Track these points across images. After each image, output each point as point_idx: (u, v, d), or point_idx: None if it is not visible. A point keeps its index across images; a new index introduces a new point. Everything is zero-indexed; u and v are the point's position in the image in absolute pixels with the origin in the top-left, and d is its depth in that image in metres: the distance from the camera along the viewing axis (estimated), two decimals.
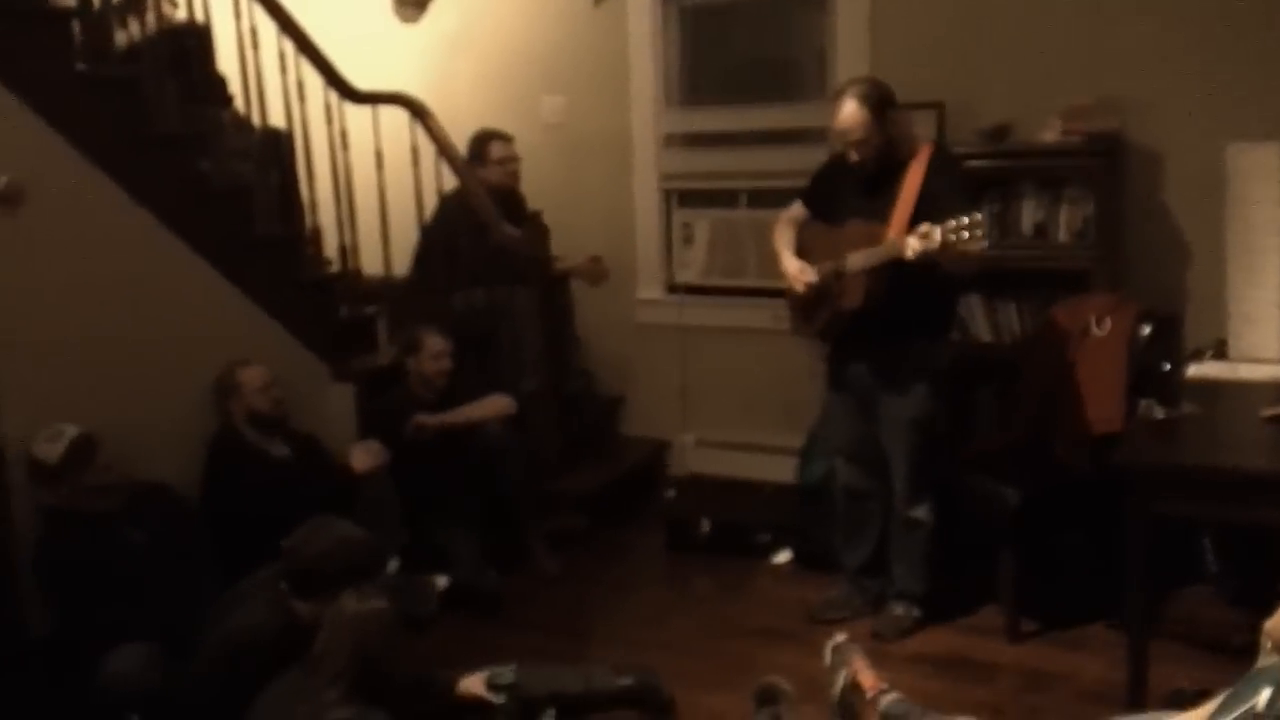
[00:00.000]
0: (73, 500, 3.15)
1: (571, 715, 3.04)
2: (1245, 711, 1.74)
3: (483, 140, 4.65)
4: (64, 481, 3.13)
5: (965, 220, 3.13)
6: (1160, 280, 4.10)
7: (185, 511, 3.46)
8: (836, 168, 3.68)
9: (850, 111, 3.42)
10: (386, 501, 3.87)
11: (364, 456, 3.83)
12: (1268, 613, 1.87)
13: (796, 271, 3.58)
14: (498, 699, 2.96)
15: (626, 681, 3.12)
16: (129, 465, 3.33)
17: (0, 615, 3.12)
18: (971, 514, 3.71)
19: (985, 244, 3.18)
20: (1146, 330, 3.76)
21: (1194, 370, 3.66)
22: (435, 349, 4.14)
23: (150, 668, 2.93)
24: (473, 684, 3.00)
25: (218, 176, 3.91)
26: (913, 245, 3.20)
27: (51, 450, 3.12)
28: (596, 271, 4.80)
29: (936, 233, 3.16)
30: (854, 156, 3.49)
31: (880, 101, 3.42)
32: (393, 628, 2.67)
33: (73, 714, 2.98)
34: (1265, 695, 1.72)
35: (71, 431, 3.14)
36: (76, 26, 3.56)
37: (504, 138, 4.68)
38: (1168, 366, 3.62)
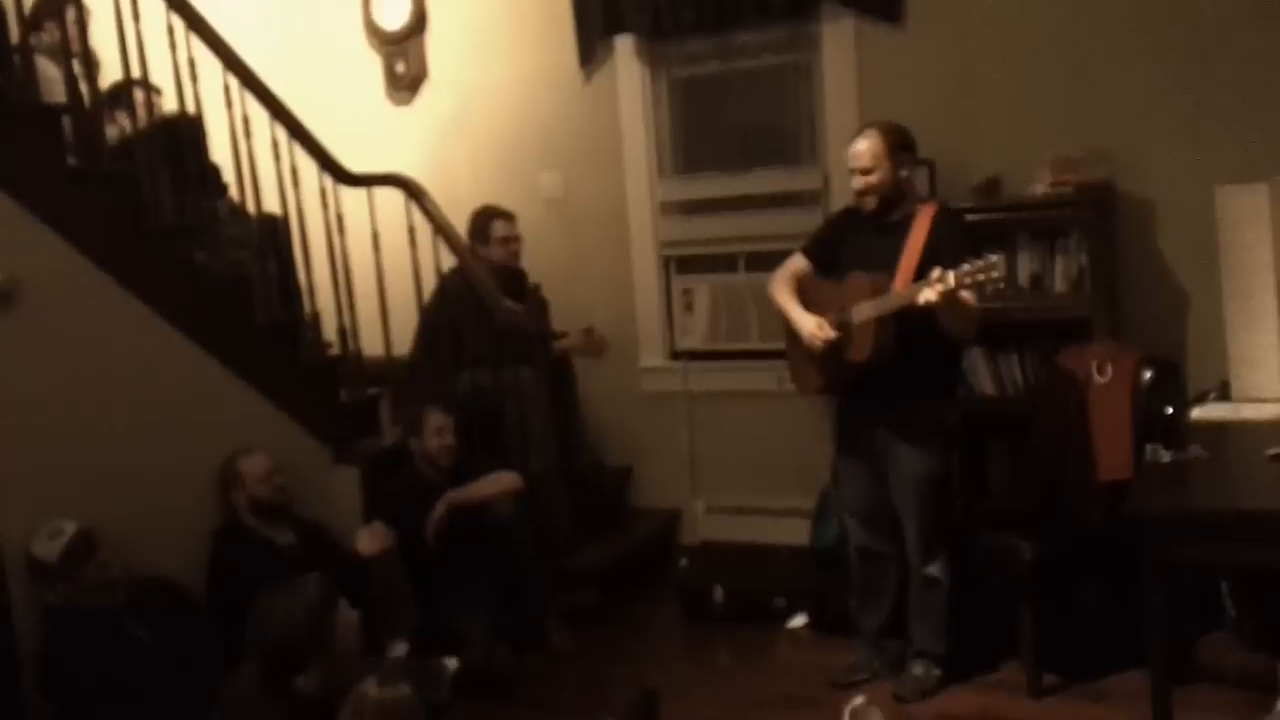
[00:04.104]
0: (74, 598, 3.13)
1: None
2: None
3: (486, 218, 4.67)
4: (65, 579, 3.11)
5: (982, 262, 3.12)
6: (1160, 325, 4.09)
7: (190, 606, 3.44)
8: (844, 220, 3.71)
9: (866, 143, 3.48)
10: (396, 585, 3.83)
11: (370, 540, 3.80)
12: None
13: (814, 328, 3.52)
14: None
15: None
16: (132, 560, 3.30)
17: (3, 717, 3.07)
18: (988, 570, 3.67)
19: (1001, 284, 3.15)
20: (1149, 375, 3.73)
21: (1198, 413, 3.64)
22: (436, 424, 4.12)
23: None
24: None
25: (215, 266, 3.92)
26: (926, 294, 3.17)
27: (51, 548, 3.10)
28: (594, 344, 4.80)
29: (950, 276, 3.14)
30: (860, 186, 3.50)
31: (898, 140, 3.49)
32: (417, 715, 2.61)
33: None
34: None
35: (70, 528, 3.13)
36: (67, 122, 3.58)
37: (506, 216, 4.68)
38: (1170, 410, 3.60)
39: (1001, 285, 3.16)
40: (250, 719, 2.70)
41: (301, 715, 2.65)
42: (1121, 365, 3.72)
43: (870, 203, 3.51)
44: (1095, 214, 3.97)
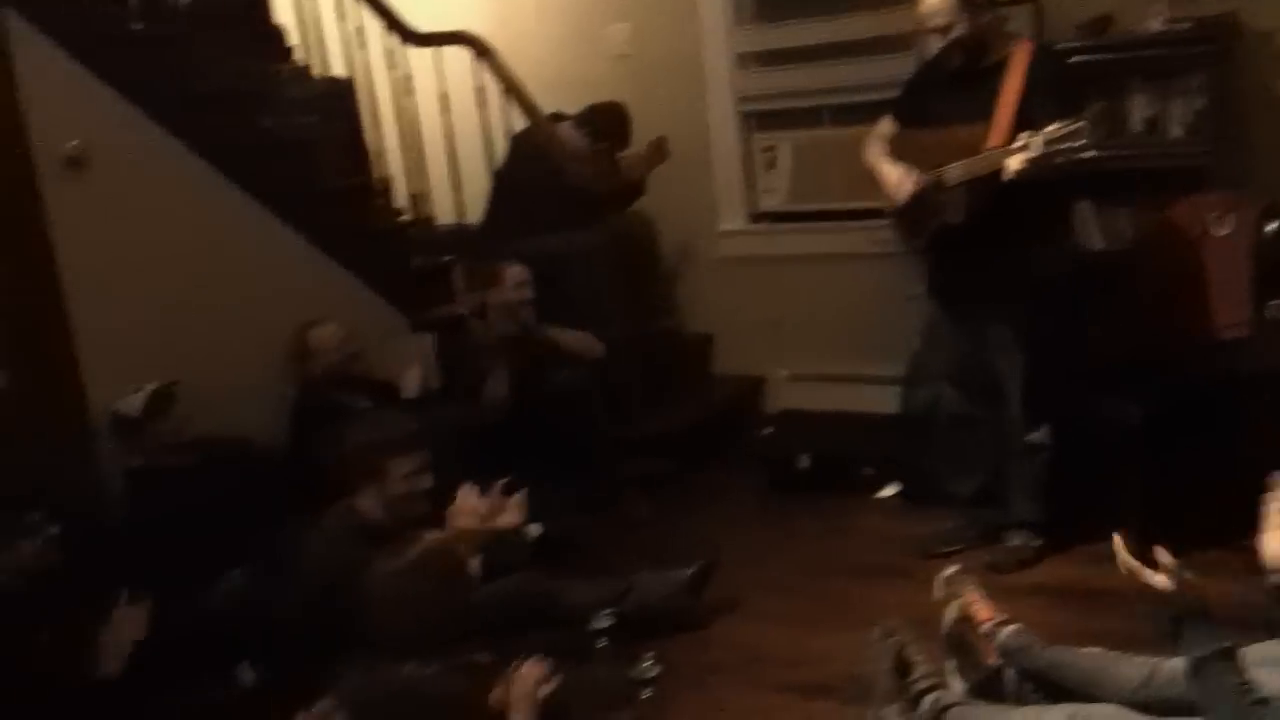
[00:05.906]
0: (154, 456, 3.22)
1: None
2: None
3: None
4: (145, 433, 3.20)
5: (1068, 129, 2.90)
6: None
7: (267, 466, 3.46)
8: (929, 74, 3.47)
9: None
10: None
11: (411, 380, 3.79)
12: None
13: (897, 181, 3.37)
14: (598, 643, 2.91)
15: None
16: (213, 424, 3.36)
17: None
18: (1091, 435, 3.50)
19: (1091, 153, 2.95)
20: (1272, 227, 3.48)
21: None
22: (517, 277, 3.98)
23: (259, 586, 3.02)
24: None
25: (282, 131, 3.85)
26: (1011, 166, 2.98)
27: (134, 401, 3.20)
28: (656, 153, 4.58)
29: (1038, 141, 2.93)
30: (940, 48, 3.27)
31: None
32: (413, 588, 2.42)
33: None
34: None
35: (151, 385, 3.22)
36: None
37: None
38: None
39: (1086, 154, 2.92)
40: (322, 547, 2.89)
41: (368, 540, 2.74)
42: (1242, 216, 3.49)
43: (956, 59, 3.27)
44: (1215, 51, 3.70)
